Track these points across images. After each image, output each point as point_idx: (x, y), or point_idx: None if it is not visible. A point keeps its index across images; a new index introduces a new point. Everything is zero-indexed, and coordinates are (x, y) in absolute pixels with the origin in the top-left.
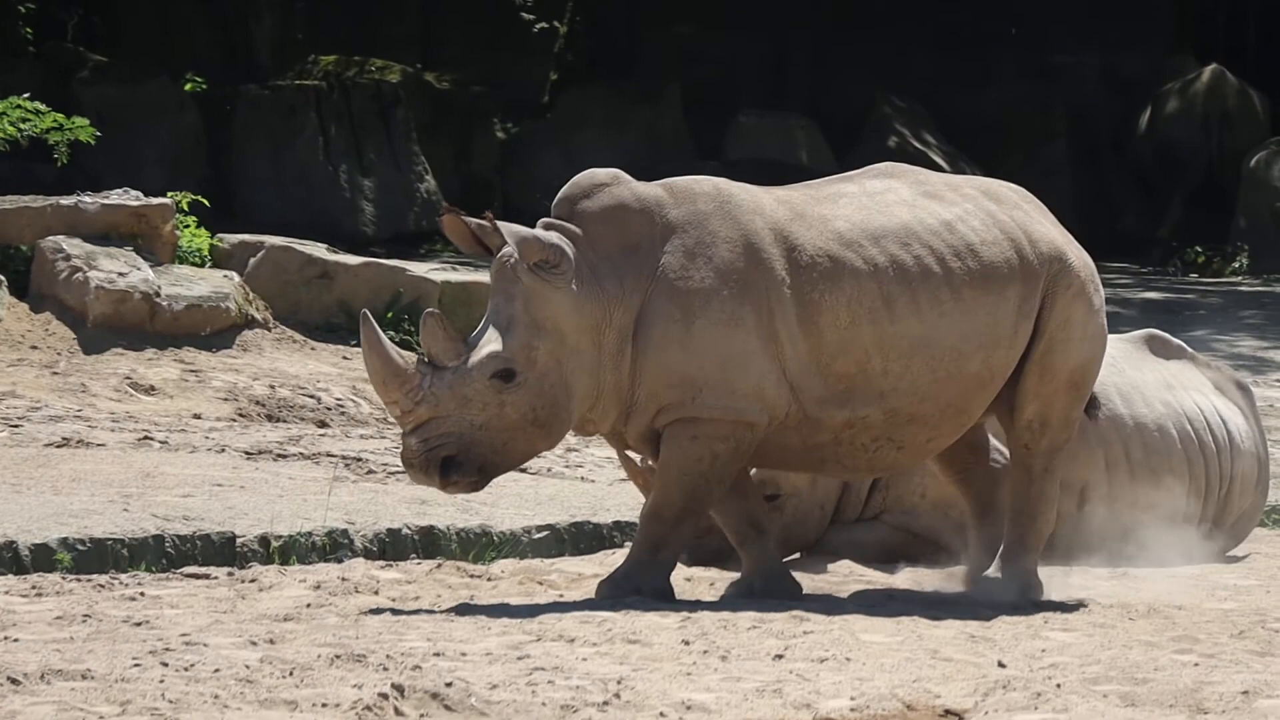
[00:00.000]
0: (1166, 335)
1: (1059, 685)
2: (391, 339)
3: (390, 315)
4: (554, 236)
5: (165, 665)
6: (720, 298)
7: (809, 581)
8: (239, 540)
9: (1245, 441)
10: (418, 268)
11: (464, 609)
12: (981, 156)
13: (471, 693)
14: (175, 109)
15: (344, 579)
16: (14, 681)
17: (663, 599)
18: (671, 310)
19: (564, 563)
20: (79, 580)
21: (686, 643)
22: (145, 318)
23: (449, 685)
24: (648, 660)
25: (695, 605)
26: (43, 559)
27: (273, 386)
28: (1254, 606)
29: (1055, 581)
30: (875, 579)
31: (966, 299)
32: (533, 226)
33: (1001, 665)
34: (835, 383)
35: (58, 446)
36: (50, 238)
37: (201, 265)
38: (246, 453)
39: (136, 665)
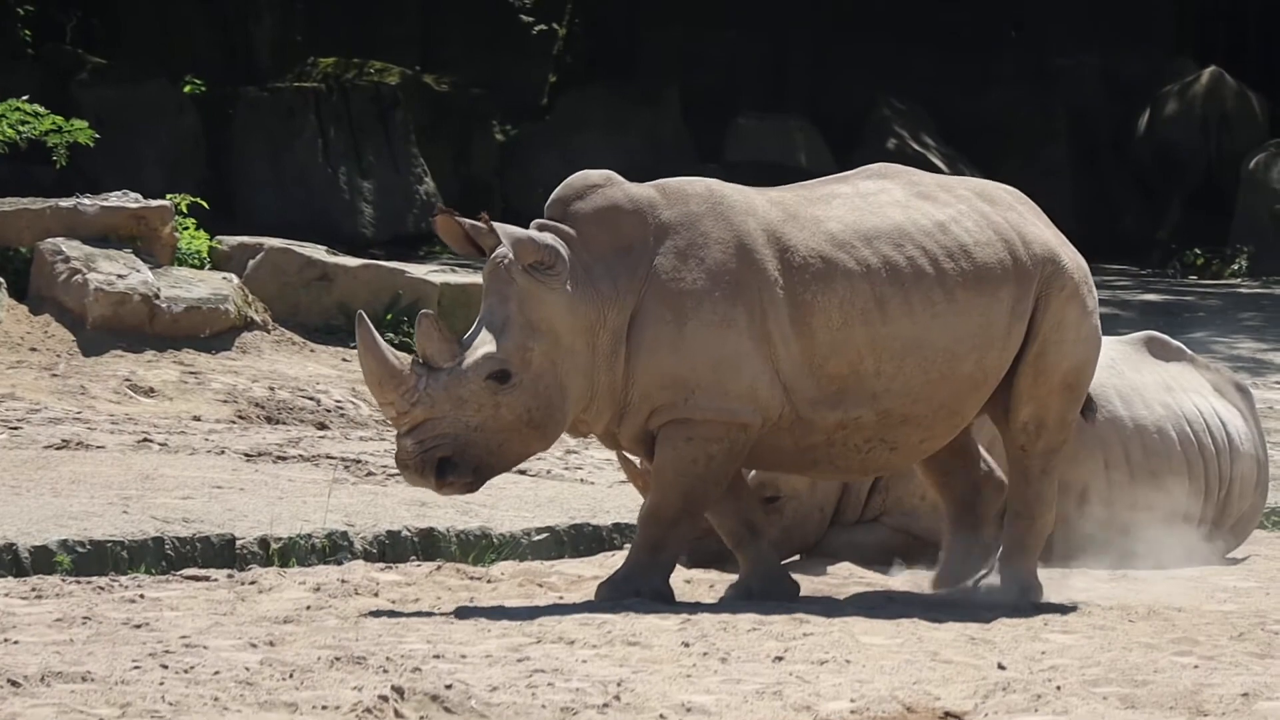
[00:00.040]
0: (1166, 337)
1: (1059, 687)
2: (390, 341)
3: (389, 317)
4: (549, 238)
5: (165, 667)
6: (712, 299)
7: (809, 584)
8: (239, 542)
9: (1245, 443)
10: (417, 270)
11: (464, 611)
12: (981, 158)
13: (471, 695)
14: (174, 111)
15: (344, 581)
16: (14, 684)
17: (662, 601)
18: (664, 312)
19: (564, 565)
20: (79, 582)
21: (686, 645)
22: (144, 320)
23: (449, 687)
24: (647, 662)
25: (695, 607)
26: (42, 561)
27: (272, 388)
28: (1254, 609)
29: (1055, 583)
30: (875, 581)
31: (959, 300)
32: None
33: (1001, 667)
34: (828, 384)
35: (57, 448)
36: (49, 240)
37: (201, 267)
38: (246, 455)
39: (136, 667)
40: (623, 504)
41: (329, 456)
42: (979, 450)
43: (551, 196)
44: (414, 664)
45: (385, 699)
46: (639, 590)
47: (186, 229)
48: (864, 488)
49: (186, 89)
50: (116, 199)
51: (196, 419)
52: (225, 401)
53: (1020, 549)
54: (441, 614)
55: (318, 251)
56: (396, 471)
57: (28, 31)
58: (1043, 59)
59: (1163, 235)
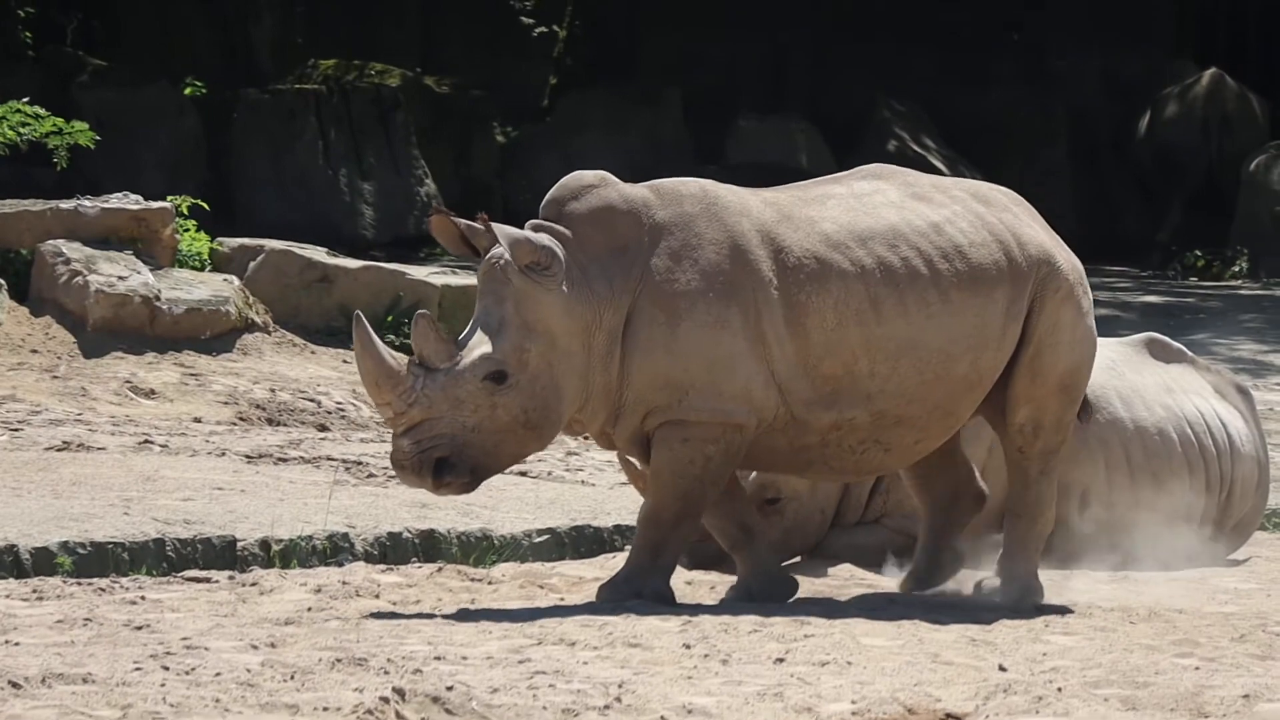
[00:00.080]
0: (1166, 339)
1: (1060, 689)
2: (391, 343)
3: (390, 319)
4: (545, 238)
5: (166, 669)
6: (706, 300)
7: (810, 585)
8: (240, 544)
9: (1245, 445)
10: (417, 271)
11: (465, 613)
12: (981, 159)
13: (472, 696)
14: (175, 113)
15: (345, 583)
16: (15, 685)
17: (663, 602)
18: (658, 313)
19: (565, 566)
20: (80, 584)
21: (687, 646)
22: (145, 321)
23: (450, 689)
24: (649, 664)
25: (696, 609)
26: (43, 563)
27: (273, 390)
28: (1255, 610)
29: (1056, 585)
30: (876, 582)
31: (954, 301)
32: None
33: (1002, 669)
34: (822, 384)
35: (58, 450)
36: (50, 242)
37: (201, 269)
38: (247, 456)
39: (137, 669)
40: (624, 506)
41: (330, 458)
42: (964, 457)
43: (546, 197)
44: (415, 665)
45: (386, 700)
46: (640, 592)
47: (187, 231)
48: (865, 490)
49: (187, 91)
50: (117, 201)
51: (197, 421)
52: (226, 403)
53: (1020, 550)
54: (442, 616)
55: (318, 253)
56: None
57: (28, 33)
58: (1043, 60)
59: (1163, 237)
